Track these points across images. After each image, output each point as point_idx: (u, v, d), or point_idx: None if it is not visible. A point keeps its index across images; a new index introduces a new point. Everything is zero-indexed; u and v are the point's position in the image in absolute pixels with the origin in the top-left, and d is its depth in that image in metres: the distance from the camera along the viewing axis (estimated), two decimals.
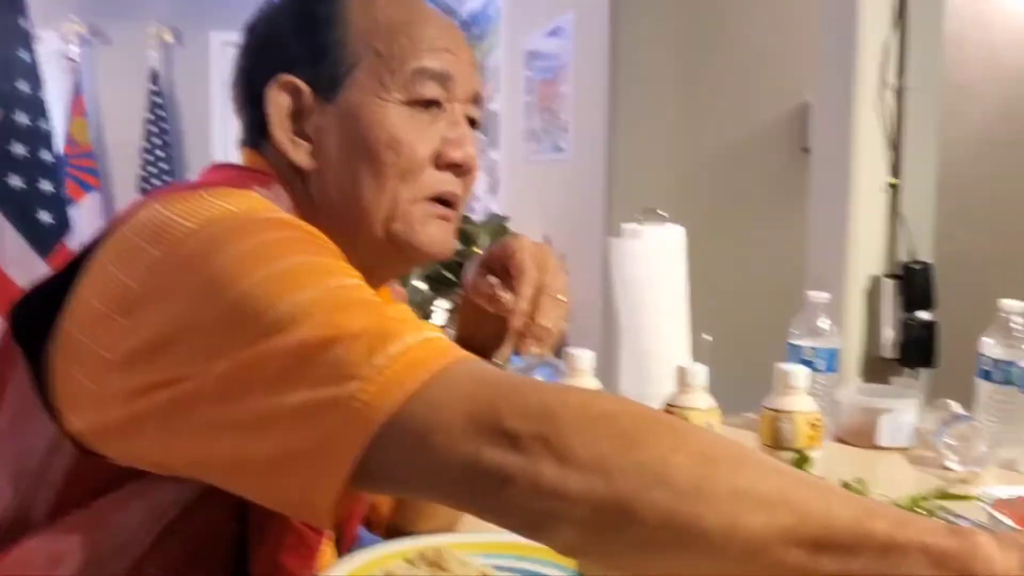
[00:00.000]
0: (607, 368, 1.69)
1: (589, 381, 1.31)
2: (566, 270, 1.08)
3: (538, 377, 1.72)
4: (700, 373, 1.20)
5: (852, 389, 1.79)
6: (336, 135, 0.91)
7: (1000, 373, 1.58)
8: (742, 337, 2.04)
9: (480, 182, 4.94)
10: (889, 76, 1.93)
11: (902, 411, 1.65)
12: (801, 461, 1.14)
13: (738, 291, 2.73)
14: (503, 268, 1.05)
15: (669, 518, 0.57)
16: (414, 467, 0.64)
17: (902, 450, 1.64)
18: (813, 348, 1.68)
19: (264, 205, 0.81)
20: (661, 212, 1.66)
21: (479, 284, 1.06)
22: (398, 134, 0.90)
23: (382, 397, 0.63)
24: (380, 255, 0.95)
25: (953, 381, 1.72)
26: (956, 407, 1.61)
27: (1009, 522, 1.10)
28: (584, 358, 1.30)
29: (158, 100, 6.03)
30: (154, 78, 6.03)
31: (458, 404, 0.63)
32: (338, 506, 0.65)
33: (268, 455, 0.66)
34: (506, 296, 1.02)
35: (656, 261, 1.62)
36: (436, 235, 0.94)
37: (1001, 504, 1.16)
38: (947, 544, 0.55)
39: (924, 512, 1.01)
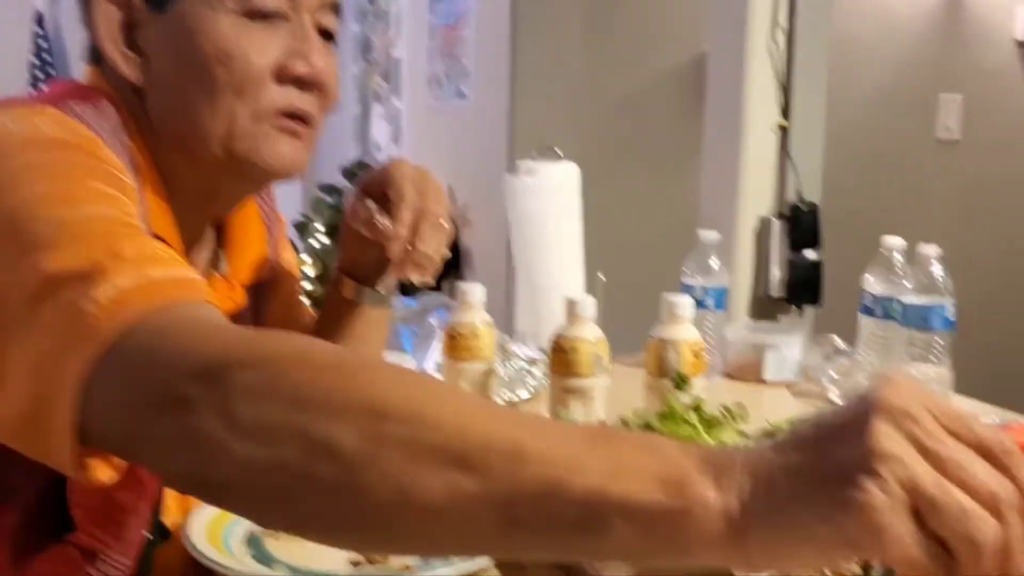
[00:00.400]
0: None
1: (480, 316, 1.29)
2: (461, 205, 1.05)
3: (433, 319, 1.70)
4: (588, 304, 1.20)
5: (741, 326, 1.83)
6: (167, 48, 0.86)
7: (881, 308, 1.63)
8: (637, 278, 2.06)
9: (382, 131, 4.86)
10: (780, 19, 1.95)
11: (787, 347, 1.69)
12: (680, 381, 1.15)
13: (635, 233, 2.75)
14: (382, 194, 1.02)
15: (336, 491, 0.52)
16: (123, 418, 0.59)
17: (787, 385, 1.68)
18: (704, 287, 1.70)
19: (54, 124, 0.76)
20: (556, 150, 1.65)
21: (357, 209, 1.03)
22: (228, 47, 0.85)
23: (85, 340, 0.60)
24: (224, 175, 0.90)
25: (838, 318, 1.77)
26: (839, 342, 1.66)
27: None
28: (475, 291, 1.29)
29: (43, 44, 5.75)
30: (39, 20, 5.74)
31: (142, 361, 0.59)
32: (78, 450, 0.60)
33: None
34: (384, 222, 1.00)
35: (550, 198, 1.61)
36: (284, 153, 0.89)
37: None
38: (653, 502, 0.50)
39: None
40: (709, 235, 1.70)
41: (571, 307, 1.20)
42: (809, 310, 2.02)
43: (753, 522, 0.49)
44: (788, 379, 1.69)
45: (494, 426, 0.54)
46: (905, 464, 0.46)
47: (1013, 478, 0.48)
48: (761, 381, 1.69)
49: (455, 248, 3.80)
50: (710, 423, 1.05)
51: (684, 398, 1.05)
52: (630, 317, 1.71)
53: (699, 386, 1.22)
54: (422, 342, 1.63)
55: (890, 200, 2.81)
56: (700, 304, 1.70)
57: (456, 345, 1.27)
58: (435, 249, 1.02)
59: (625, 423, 0.98)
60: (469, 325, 1.28)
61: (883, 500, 0.46)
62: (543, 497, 0.51)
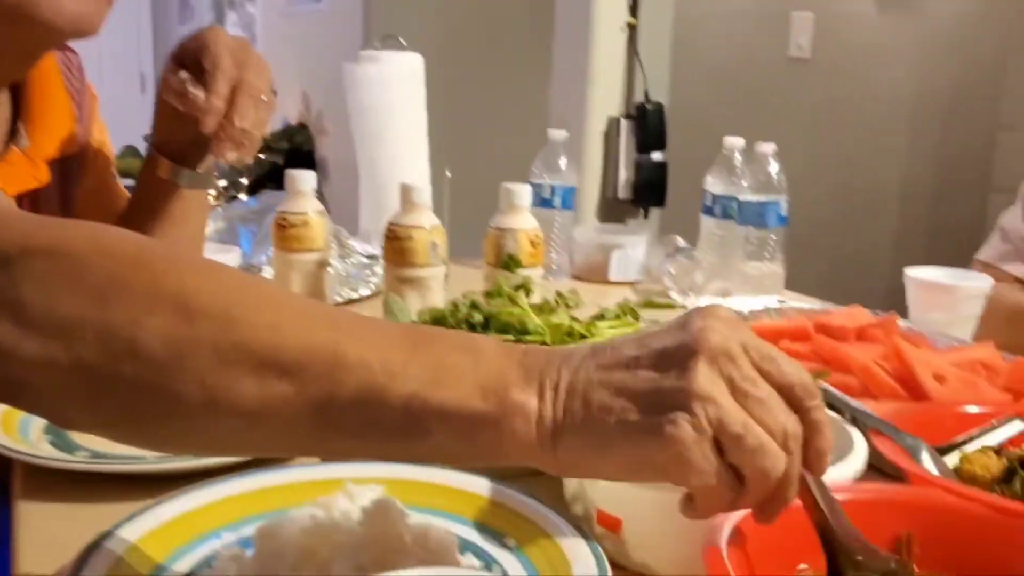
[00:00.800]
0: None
1: (311, 204, 1.24)
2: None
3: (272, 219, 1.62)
4: (424, 191, 1.16)
5: (589, 228, 1.84)
6: None
7: (720, 208, 1.66)
8: (486, 176, 2.02)
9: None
10: None
11: (632, 247, 1.70)
12: (510, 262, 1.14)
13: (485, 131, 2.71)
14: (197, 63, 0.95)
15: (141, 392, 0.49)
16: None
17: (631, 284, 1.70)
18: (552, 186, 1.69)
19: None
20: (400, 40, 1.59)
21: (169, 80, 0.96)
22: None
23: None
24: (4, 34, 0.83)
25: (684, 219, 1.79)
26: (681, 242, 1.68)
27: None
28: (304, 179, 1.23)
29: None
30: None
31: None
32: None
33: None
34: (197, 93, 0.93)
35: (392, 88, 1.55)
36: (67, 5, 0.82)
37: None
38: (473, 412, 0.50)
39: (631, 320, 1.03)
40: (557, 133, 1.68)
41: (406, 193, 1.16)
42: (656, 212, 2.05)
43: (566, 434, 0.50)
44: (632, 279, 1.71)
45: (311, 329, 0.51)
46: (718, 405, 0.49)
47: (805, 414, 0.52)
48: (607, 281, 1.71)
49: (309, 155, 3.69)
50: (542, 308, 1.04)
51: (515, 280, 1.04)
52: (479, 215, 1.69)
53: (537, 276, 1.21)
54: (261, 243, 1.56)
55: (741, 115, 2.86)
56: (547, 203, 1.70)
57: (286, 235, 1.22)
58: (255, 125, 0.96)
59: (455, 307, 0.96)
60: (300, 215, 1.22)
61: (692, 435, 0.49)
62: (361, 404, 0.50)
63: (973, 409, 0.82)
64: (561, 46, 2.01)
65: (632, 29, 1.93)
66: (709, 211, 1.68)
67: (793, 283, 1.59)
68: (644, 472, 0.51)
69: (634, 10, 1.92)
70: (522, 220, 1.20)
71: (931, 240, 3.47)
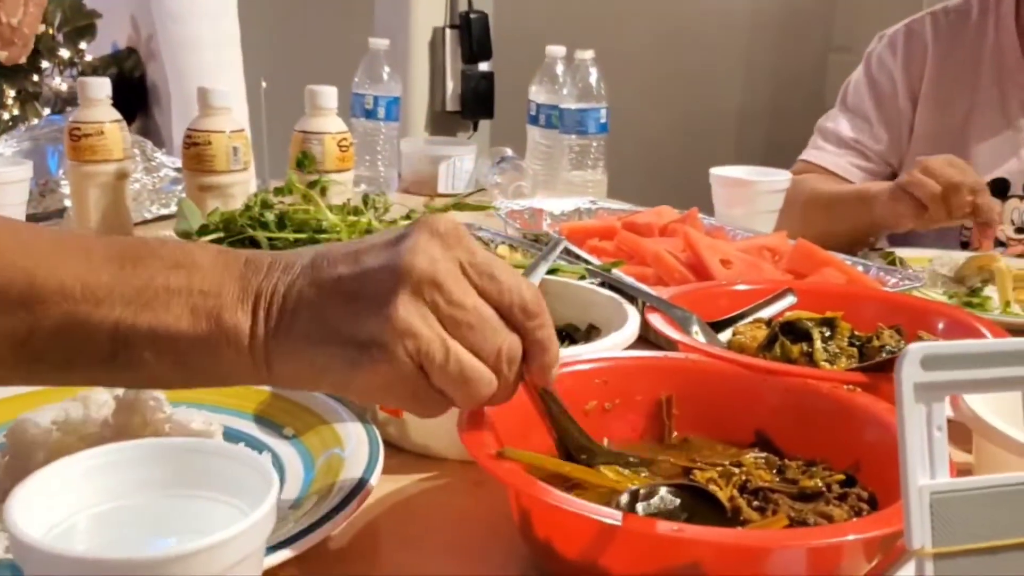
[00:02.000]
0: None
1: (107, 112, 1.18)
2: None
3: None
4: (223, 95, 1.12)
5: (416, 140, 1.82)
6: None
7: (544, 117, 1.67)
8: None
9: None
10: None
11: (460, 158, 1.69)
12: (304, 160, 1.12)
13: (306, 41, 2.59)
14: None
15: None
16: None
17: (462, 195, 1.70)
18: (375, 96, 1.66)
19: None
20: None
21: None
22: None
23: None
24: None
25: (513, 130, 1.79)
26: (508, 152, 1.69)
27: (517, 225, 1.17)
28: (98, 85, 1.16)
29: None
30: None
31: None
32: None
33: None
34: None
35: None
36: None
37: (513, 214, 1.23)
38: (181, 338, 0.49)
39: None
40: (378, 42, 1.65)
41: (203, 97, 1.12)
42: (486, 124, 2.04)
43: (278, 357, 0.50)
44: (461, 190, 1.70)
45: (9, 259, 0.49)
46: (417, 337, 0.48)
47: (528, 333, 0.52)
48: (436, 193, 1.70)
49: (140, 81, 3.49)
50: (343, 209, 1.02)
51: (310, 178, 1.01)
52: None
53: (347, 181, 1.19)
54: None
55: (568, 27, 2.84)
56: (371, 114, 1.67)
57: (80, 146, 1.15)
58: (27, 24, 0.90)
59: (248, 207, 0.93)
60: (94, 123, 1.16)
61: (391, 370, 0.49)
62: (64, 334, 0.48)
63: (745, 287, 0.86)
64: None
65: None
66: (534, 120, 1.69)
67: (635, 197, 1.59)
68: (355, 396, 0.53)
69: None
70: (328, 123, 1.18)
71: (767, 159, 3.59)
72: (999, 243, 1.32)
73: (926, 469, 0.40)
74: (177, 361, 0.50)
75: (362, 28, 1.92)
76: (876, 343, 0.72)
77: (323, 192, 0.97)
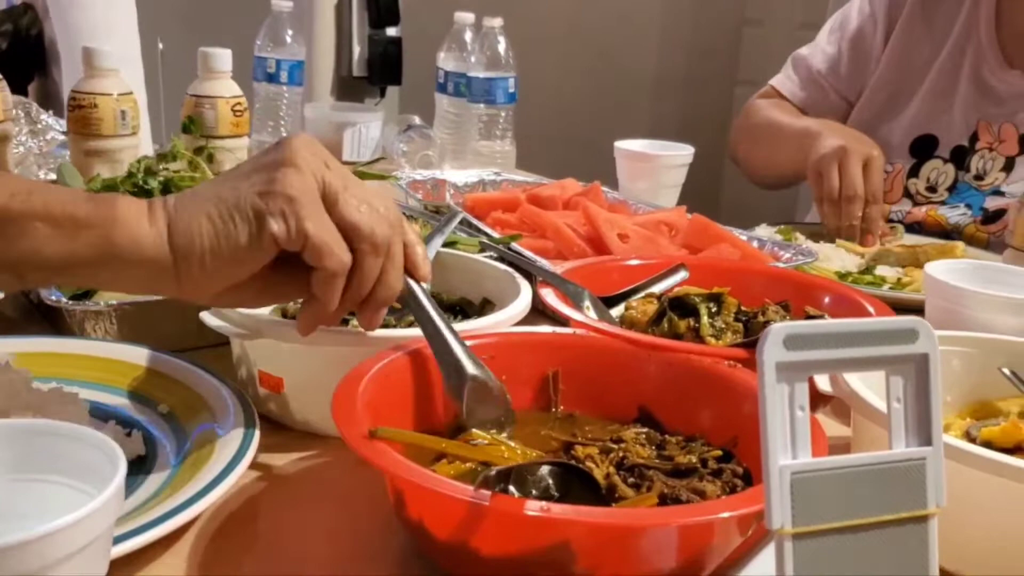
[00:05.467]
0: None
1: None
2: None
3: None
4: (109, 55, 1.07)
5: (321, 105, 1.77)
6: None
7: (452, 85, 1.64)
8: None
9: None
10: None
11: (366, 125, 1.66)
12: (190, 125, 1.08)
13: (210, 3, 2.48)
14: None
15: None
16: None
17: (367, 164, 1.67)
18: (277, 60, 1.61)
19: None
20: None
21: None
22: None
23: None
24: None
25: (424, 98, 1.76)
26: (416, 120, 1.66)
27: (419, 197, 1.16)
28: None
29: None
30: None
31: None
32: None
33: None
34: None
35: None
36: None
37: (416, 184, 1.21)
38: (78, 211, 0.52)
39: None
40: (282, 4, 1.59)
41: (88, 57, 1.06)
42: (395, 91, 2.01)
43: (174, 222, 0.54)
44: (367, 158, 1.67)
45: None
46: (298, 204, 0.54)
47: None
48: (342, 161, 1.66)
49: (38, 39, 3.34)
50: None
51: (198, 143, 0.98)
52: None
53: (241, 146, 1.15)
54: None
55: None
56: (274, 78, 1.62)
57: None
58: None
59: (131, 173, 0.89)
60: None
61: (274, 234, 0.53)
62: None
63: (638, 262, 0.85)
64: None
65: None
66: (442, 88, 1.66)
67: (544, 169, 1.58)
68: (236, 268, 0.55)
69: None
70: (222, 87, 1.13)
71: (681, 130, 3.63)
72: (894, 220, 1.35)
73: (787, 449, 0.40)
74: (68, 236, 0.52)
75: None
76: (761, 319, 0.72)
77: (210, 159, 0.94)
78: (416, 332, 0.62)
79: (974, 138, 1.30)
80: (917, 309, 0.86)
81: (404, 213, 1.10)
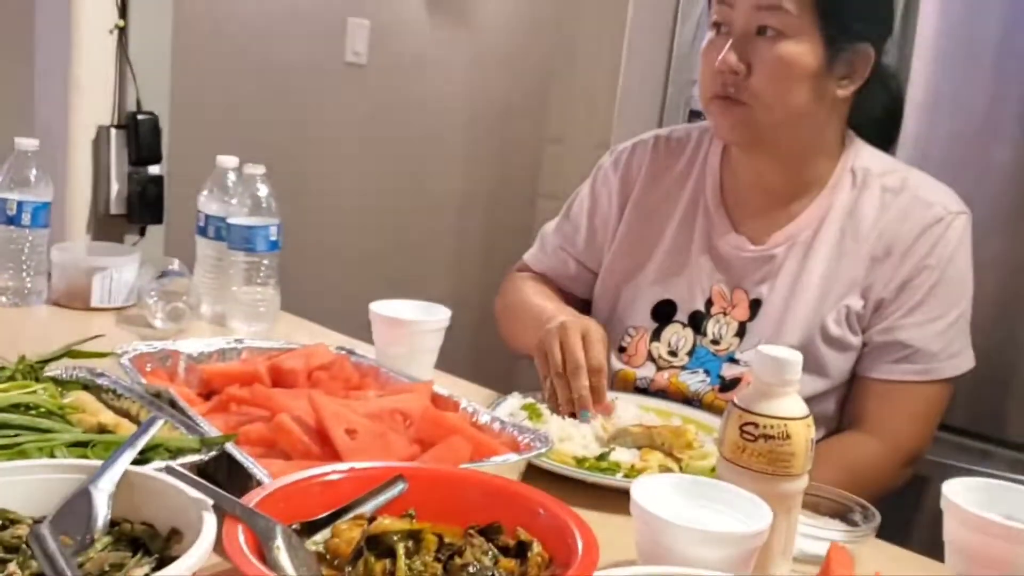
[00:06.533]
0: None
1: None
2: None
3: None
4: None
5: (72, 247, 1.66)
6: None
7: (213, 229, 1.57)
8: None
9: None
10: None
11: (118, 269, 1.56)
12: None
13: None
14: None
15: None
16: None
17: (118, 310, 1.56)
18: (19, 201, 1.49)
19: None
20: None
21: None
22: None
23: None
24: None
25: (190, 239, 1.67)
26: (175, 264, 1.57)
27: (141, 380, 1.06)
28: None
29: None
30: None
31: None
32: None
33: None
34: None
35: None
36: None
37: (143, 358, 1.12)
38: None
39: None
40: (25, 142, 1.49)
41: None
42: (158, 231, 1.91)
43: None
44: (119, 304, 1.57)
45: None
46: None
47: None
48: (91, 308, 1.55)
49: None
50: None
51: None
52: None
53: None
54: None
55: (296, 120, 2.78)
56: (15, 221, 1.51)
57: None
58: None
59: None
60: None
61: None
62: None
63: (338, 476, 0.80)
64: (43, 48, 1.79)
65: (122, 32, 1.77)
66: (203, 232, 1.58)
67: (345, 303, 1.51)
68: None
69: (124, 12, 1.75)
70: None
71: (486, 243, 3.66)
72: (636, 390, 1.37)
73: None
74: None
75: (22, 124, 1.74)
76: (459, 561, 0.68)
77: None
78: None
79: (709, 303, 1.35)
80: None
81: (120, 394, 1.01)
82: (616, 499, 0.92)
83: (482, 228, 3.68)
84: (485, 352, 2.45)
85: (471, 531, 0.73)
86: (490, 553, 0.70)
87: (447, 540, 0.71)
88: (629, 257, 1.41)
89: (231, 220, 1.52)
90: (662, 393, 1.33)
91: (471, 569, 0.68)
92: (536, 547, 0.73)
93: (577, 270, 1.49)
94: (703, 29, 2.76)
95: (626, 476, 1.01)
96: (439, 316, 1.29)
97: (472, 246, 3.66)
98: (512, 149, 3.70)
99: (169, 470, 0.75)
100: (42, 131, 1.60)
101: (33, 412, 0.89)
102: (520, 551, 0.73)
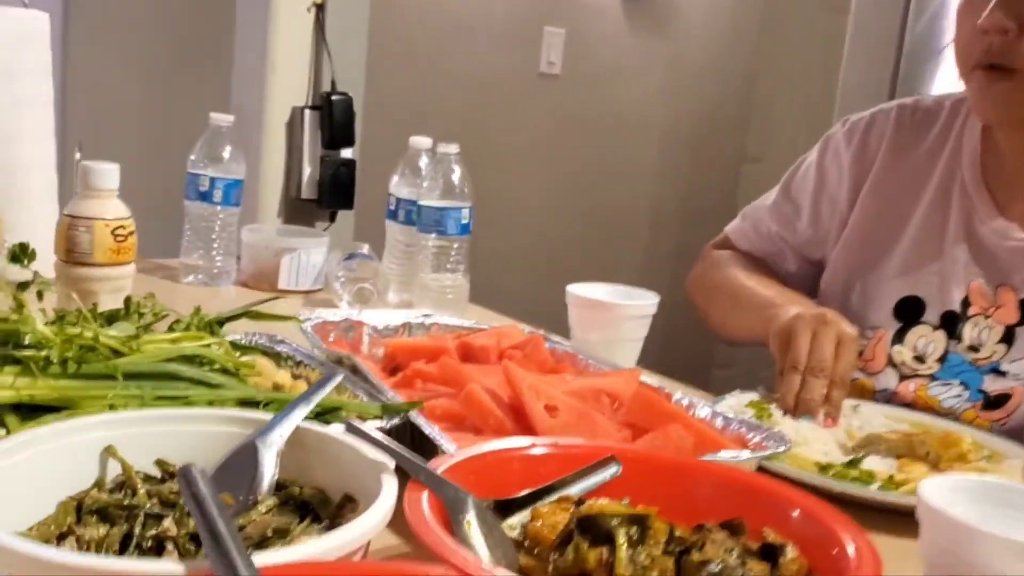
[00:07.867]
0: None
1: None
2: None
3: None
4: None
5: (263, 228, 1.62)
6: None
7: (403, 212, 1.49)
8: (149, 166, 1.74)
9: None
10: None
11: (307, 252, 1.50)
12: (20, 254, 0.91)
13: (149, 115, 2.30)
14: None
15: None
16: None
17: (306, 293, 1.50)
18: (212, 178, 1.46)
19: None
20: None
21: None
22: None
23: None
24: None
25: (379, 224, 1.60)
26: (363, 248, 1.50)
27: (322, 345, 0.97)
28: None
29: None
30: None
31: None
32: None
33: None
34: None
35: (8, 52, 1.29)
36: None
37: (327, 326, 1.03)
38: None
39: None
40: (220, 118, 1.46)
41: None
42: (348, 217, 1.86)
43: None
44: (307, 287, 1.51)
45: None
46: None
47: None
48: (279, 290, 1.50)
49: None
50: (110, 316, 0.82)
51: (22, 275, 0.81)
52: (153, 210, 1.43)
53: (126, 275, 0.98)
54: None
55: (429, 93, 2.68)
56: (206, 197, 1.47)
57: None
58: None
59: None
60: None
61: None
62: None
63: (542, 451, 0.67)
64: (243, 22, 1.77)
65: (320, 10, 1.72)
66: (393, 216, 1.51)
67: (531, 305, 1.41)
68: None
69: None
70: (102, 207, 0.97)
71: (677, 264, 3.48)
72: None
73: None
74: None
75: (217, 103, 1.73)
76: (696, 557, 0.53)
77: (40, 295, 0.77)
78: None
79: (966, 302, 1.12)
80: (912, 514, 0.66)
81: (300, 361, 0.92)
82: (866, 514, 0.73)
83: (672, 248, 3.50)
84: (674, 369, 2.29)
85: (707, 526, 0.58)
86: (735, 551, 0.55)
87: (677, 533, 0.56)
88: (865, 246, 1.21)
89: (421, 202, 1.43)
90: (907, 408, 1.12)
91: (713, 568, 0.52)
92: (791, 551, 0.57)
93: (798, 266, 1.29)
94: (940, 22, 2.49)
95: (882, 488, 0.82)
96: (646, 301, 1.14)
97: (661, 265, 3.49)
98: (707, 166, 3.52)
99: (349, 427, 0.64)
100: (236, 109, 1.58)
101: (206, 368, 0.80)
102: (769, 554, 0.57)
